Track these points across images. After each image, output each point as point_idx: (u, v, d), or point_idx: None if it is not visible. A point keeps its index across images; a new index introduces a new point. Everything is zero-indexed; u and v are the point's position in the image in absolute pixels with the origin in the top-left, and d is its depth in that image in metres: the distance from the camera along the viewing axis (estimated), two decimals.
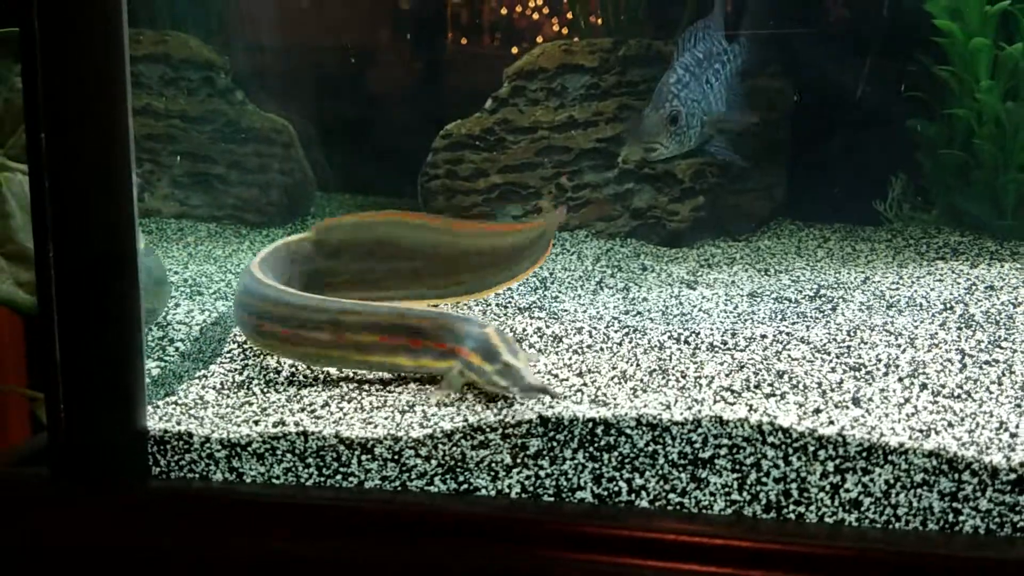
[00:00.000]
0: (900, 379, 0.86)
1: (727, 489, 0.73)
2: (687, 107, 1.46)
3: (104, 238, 0.75)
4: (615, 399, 0.80)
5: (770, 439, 0.72)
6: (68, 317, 0.74)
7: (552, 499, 0.75)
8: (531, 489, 0.75)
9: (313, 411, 0.82)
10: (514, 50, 1.92)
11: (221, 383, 0.90)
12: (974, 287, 1.24)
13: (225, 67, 1.58)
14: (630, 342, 1.00)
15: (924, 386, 0.85)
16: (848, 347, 0.99)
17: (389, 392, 0.87)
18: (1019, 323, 1.09)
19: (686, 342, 1.00)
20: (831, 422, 0.75)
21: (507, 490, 0.75)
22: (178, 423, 0.80)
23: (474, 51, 1.98)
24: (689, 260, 1.51)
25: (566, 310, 1.20)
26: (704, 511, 0.73)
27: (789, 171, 1.66)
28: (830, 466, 0.71)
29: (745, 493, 0.73)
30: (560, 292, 1.31)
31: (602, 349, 0.98)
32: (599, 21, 1.72)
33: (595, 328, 1.05)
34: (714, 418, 0.73)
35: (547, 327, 1.03)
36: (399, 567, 0.72)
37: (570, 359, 0.93)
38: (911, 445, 0.71)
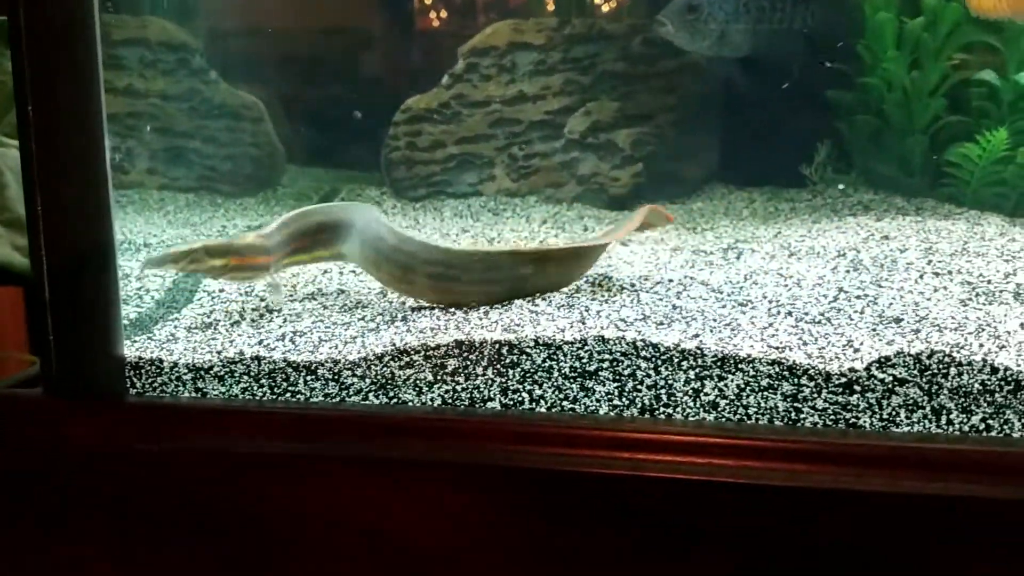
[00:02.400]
0: (769, 310, 1.01)
1: (610, 396, 0.87)
2: (711, 8, 1.55)
3: (83, 198, 0.89)
4: (522, 327, 0.94)
5: (643, 353, 0.86)
6: (55, 261, 0.88)
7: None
8: (450, 401, 0.89)
9: (268, 344, 0.96)
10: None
11: (191, 324, 1.04)
12: (871, 237, 1.38)
13: (199, 49, 1.71)
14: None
15: (789, 314, 0.99)
16: (740, 287, 1.13)
17: (338, 326, 1.02)
18: (900, 265, 1.23)
19: (599, 285, 1.14)
20: (700, 341, 0.89)
21: (430, 403, 0.90)
22: (151, 353, 0.94)
23: (437, 28, 2.10)
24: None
25: None
26: (592, 414, 0.87)
27: (722, 139, 1.79)
28: (691, 375, 0.86)
29: (624, 399, 0.87)
30: None
31: None
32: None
33: None
34: (598, 337, 0.87)
35: None
36: (338, 459, 0.86)
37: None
38: (758, 355, 0.85)
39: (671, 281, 1.16)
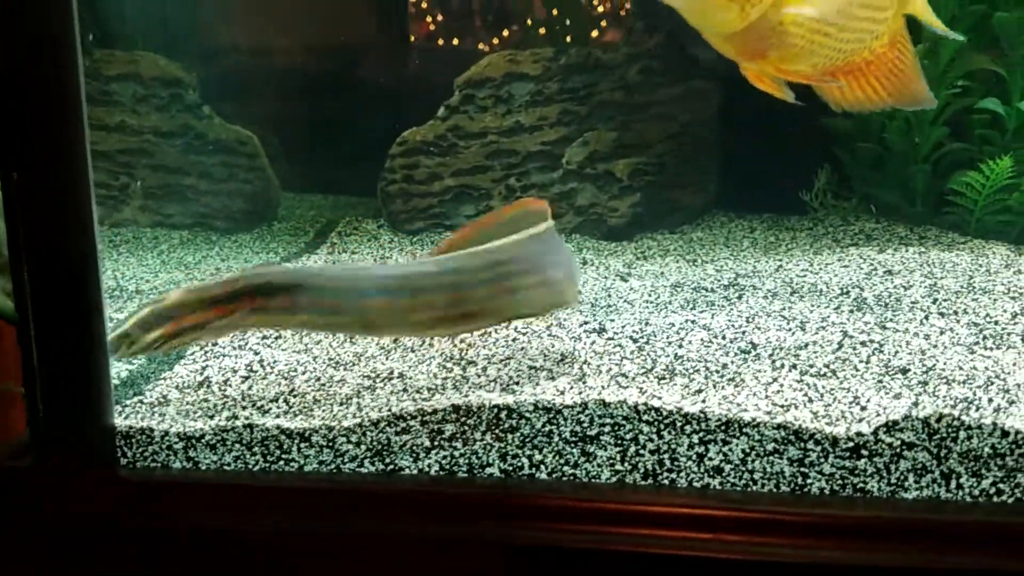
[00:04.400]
0: (773, 360, 0.99)
1: (611, 461, 0.85)
2: None
3: (70, 261, 0.87)
4: (522, 387, 0.92)
5: (645, 417, 0.84)
6: (43, 331, 0.86)
7: (465, 475, 0.87)
8: (448, 467, 0.87)
9: (261, 406, 0.94)
10: (483, 46, 2.03)
11: (183, 383, 1.02)
12: (874, 272, 1.36)
13: (192, 84, 1.69)
14: (550, 335, 1.12)
15: (794, 366, 0.97)
16: (743, 332, 1.11)
17: (337, 383, 1.00)
18: (905, 304, 1.21)
19: (601, 333, 1.12)
20: (703, 401, 0.87)
21: (427, 469, 0.88)
22: (142, 419, 0.92)
23: (439, 50, 2.10)
24: (627, 253, 1.63)
25: None
26: (593, 480, 0.85)
27: (721, 166, 1.77)
28: (695, 439, 0.84)
29: (626, 463, 0.85)
30: None
31: (525, 342, 1.10)
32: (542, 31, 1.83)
33: (525, 323, 1.16)
34: (598, 401, 0.85)
35: None
36: (334, 539, 0.84)
37: (493, 352, 1.05)
38: (763, 419, 0.83)
39: (671, 326, 1.14)
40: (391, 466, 0.88)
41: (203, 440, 0.89)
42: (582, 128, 1.73)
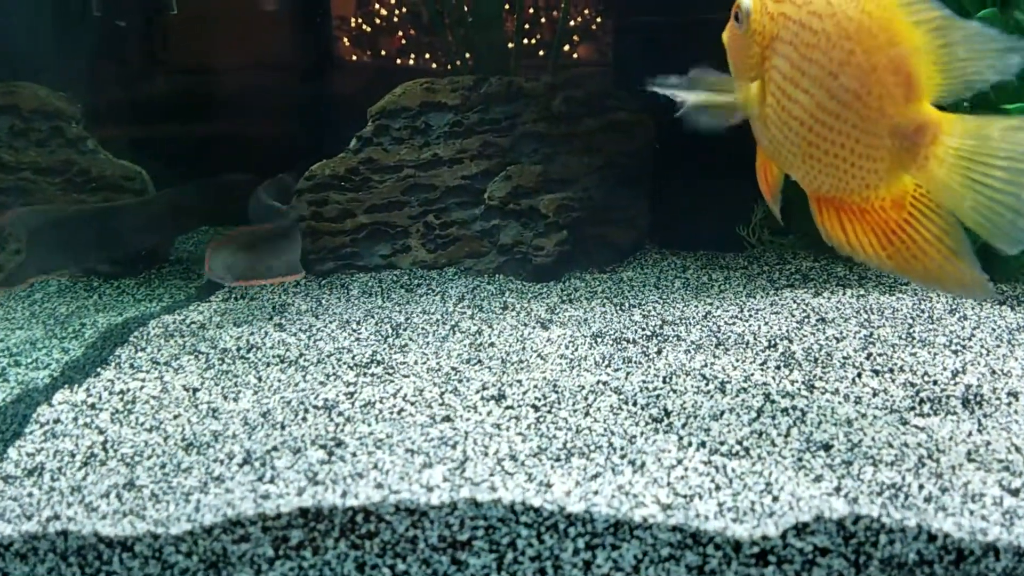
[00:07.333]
0: (680, 437, 0.87)
1: (486, 570, 0.73)
2: None
3: None
4: (388, 479, 0.80)
5: (523, 519, 0.73)
6: None
7: None
8: None
9: (90, 503, 0.81)
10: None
11: (11, 471, 0.89)
12: (807, 320, 1.26)
13: (76, 116, 1.56)
14: (441, 406, 0.99)
15: (703, 444, 0.86)
16: (657, 396, 0.99)
17: (186, 473, 0.86)
18: (836, 360, 1.11)
19: (499, 401, 1.00)
20: (596, 492, 0.76)
21: None
22: None
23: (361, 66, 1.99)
24: (552, 296, 1.51)
25: (405, 363, 1.19)
26: None
27: (653, 199, 1.67)
28: (580, 543, 0.72)
29: (504, 573, 0.73)
30: (411, 340, 1.30)
31: (413, 414, 0.98)
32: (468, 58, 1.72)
33: (417, 389, 1.04)
34: (469, 500, 0.73)
35: (360, 391, 1.03)
36: None
37: (370, 429, 0.92)
38: (655, 520, 0.71)
39: (581, 389, 1.03)
40: None
41: (12, 548, 0.76)
42: (505, 161, 1.62)
